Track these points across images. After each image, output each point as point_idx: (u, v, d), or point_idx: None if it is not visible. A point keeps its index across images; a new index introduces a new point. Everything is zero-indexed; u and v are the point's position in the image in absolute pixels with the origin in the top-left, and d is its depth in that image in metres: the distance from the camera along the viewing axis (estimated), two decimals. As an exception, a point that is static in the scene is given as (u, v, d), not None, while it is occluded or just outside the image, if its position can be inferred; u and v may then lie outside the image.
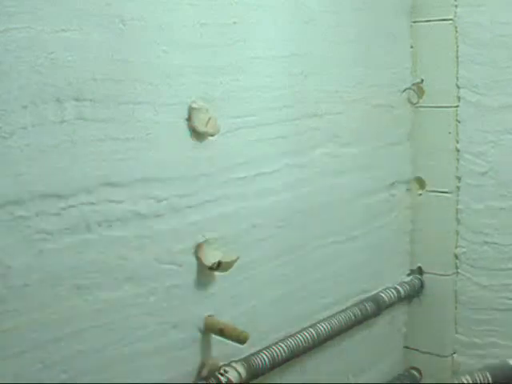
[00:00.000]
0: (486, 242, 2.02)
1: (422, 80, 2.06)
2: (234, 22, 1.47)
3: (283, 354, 1.59)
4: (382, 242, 2.04)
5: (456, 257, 2.08)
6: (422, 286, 2.12)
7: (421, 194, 2.12)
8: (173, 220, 1.37)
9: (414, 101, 2.08)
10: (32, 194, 1.11)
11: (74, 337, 1.20)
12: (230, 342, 1.43)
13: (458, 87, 2.01)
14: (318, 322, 1.75)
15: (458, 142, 2.04)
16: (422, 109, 2.08)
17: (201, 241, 1.43)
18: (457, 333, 2.11)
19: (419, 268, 2.14)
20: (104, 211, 1.23)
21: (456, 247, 2.08)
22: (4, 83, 1.06)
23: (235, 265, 1.45)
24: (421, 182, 2.12)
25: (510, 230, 1.99)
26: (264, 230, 1.60)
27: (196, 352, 1.46)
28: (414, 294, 2.12)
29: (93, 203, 1.21)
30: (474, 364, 2.08)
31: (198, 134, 1.40)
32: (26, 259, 1.12)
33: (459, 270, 2.08)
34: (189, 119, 1.39)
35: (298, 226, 1.71)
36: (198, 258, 1.43)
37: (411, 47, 2.07)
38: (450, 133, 2.03)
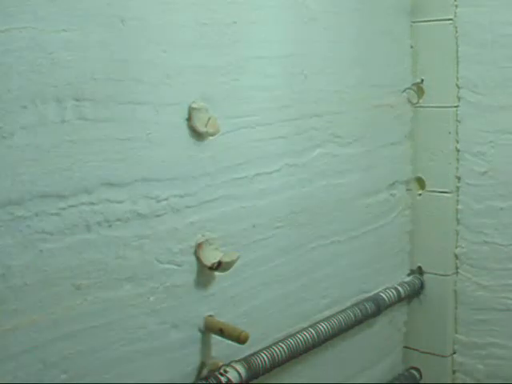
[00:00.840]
0: (486, 242, 2.02)
1: (422, 80, 2.06)
2: (234, 22, 1.47)
3: (283, 354, 1.59)
4: (382, 242, 2.04)
5: (456, 257, 2.08)
6: (422, 286, 2.12)
7: (421, 194, 2.12)
8: (173, 220, 1.37)
9: (414, 101, 2.08)
10: (32, 194, 1.11)
11: (74, 337, 1.20)
12: (230, 341, 1.43)
13: (458, 87, 2.01)
14: (318, 322, 1.74)
15: (457, 142, 2.04)
16: (421, 109, 2.08)
17: (201, 241, 1.43)
18: (457, 333, 2.10)
19: (419, 268, 2.14)
20: (104, 211, 1.23)
21: (456, 247, 2.08)
22: (4, 83, 1.06)
23: (235, 265, 1.45)
24: (421, 182, 2.11)
25: (509, 230, 1.98)
26: (264, 230, 1.60)
27: (196, 352, 1.46)
28: (413, 294, 2.12)
29: (93, 203, 1.21)
30: (473, 364, 2.08)
31: (198, 134, 1.40)
32: (25, 259, 1.12)
33: (459, 270, 2.08)
34: (189, 119, 1.39)
35: (297, 226, 1.70)
36: (198, 258, 1.43)
37: (411, 47, 2.07)
38: (449, 133, 2.03)
